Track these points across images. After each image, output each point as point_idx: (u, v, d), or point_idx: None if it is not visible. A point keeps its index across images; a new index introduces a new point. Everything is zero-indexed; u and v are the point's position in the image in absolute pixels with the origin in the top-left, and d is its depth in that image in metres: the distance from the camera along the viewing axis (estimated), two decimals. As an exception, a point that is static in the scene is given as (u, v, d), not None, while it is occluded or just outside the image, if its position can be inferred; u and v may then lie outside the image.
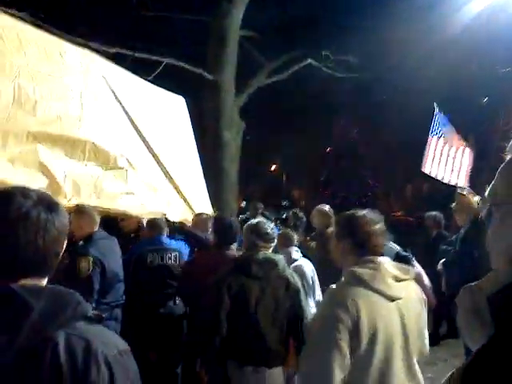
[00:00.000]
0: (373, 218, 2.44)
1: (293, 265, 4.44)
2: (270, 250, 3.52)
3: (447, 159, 8.21)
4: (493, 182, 1.04)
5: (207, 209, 6.19)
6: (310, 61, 11.93)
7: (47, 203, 1.24)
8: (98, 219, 4.34)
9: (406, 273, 2.38)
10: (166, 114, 5.91)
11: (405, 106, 14.68)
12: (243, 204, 14.11)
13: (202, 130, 11.36)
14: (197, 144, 12.00)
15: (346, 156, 23.80)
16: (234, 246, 4.37)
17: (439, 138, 8.18)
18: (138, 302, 4.74)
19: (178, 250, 5.11)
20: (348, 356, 2.14)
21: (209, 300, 3.29)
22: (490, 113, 14.98)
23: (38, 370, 1.08)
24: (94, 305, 3.93)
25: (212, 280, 3.34)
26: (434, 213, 7.45)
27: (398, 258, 3.92)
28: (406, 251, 4.35)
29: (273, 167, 26.37)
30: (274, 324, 3.26)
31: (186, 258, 5.18)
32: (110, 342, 1.21)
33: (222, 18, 10.58)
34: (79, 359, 1.10)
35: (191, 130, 6.40)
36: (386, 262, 2.36)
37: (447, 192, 8.44)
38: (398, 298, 2.28)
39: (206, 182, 11.24)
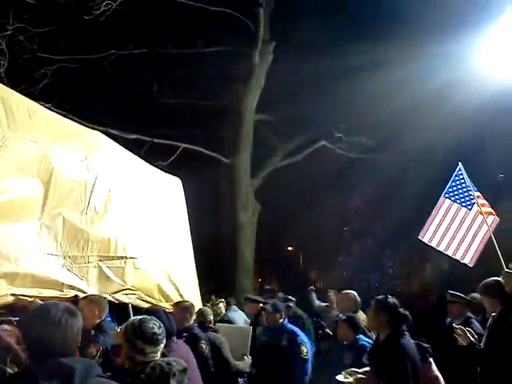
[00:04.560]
0: None
1: None
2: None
3: (458, 228, 7.04)
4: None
5: (196, 296, 5.95)
6: (323, 142, 12.21)
7: (71, 312, 1.95)
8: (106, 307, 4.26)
9: None
10: (163, 195, 5.78)
11: (419, 182, 14.75)
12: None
13: (219, 212, 11.49)
14: (213, 226, 12.19)
15: (361, 235, 23.65)
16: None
17: (453, 202, 7.09)
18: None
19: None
20: None
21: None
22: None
23: None
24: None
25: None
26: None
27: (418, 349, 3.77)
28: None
29: (290, 248, 26.21)
30: None
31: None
32: None
33: (237, 103, 10.98)
34: None
35: (186, 212, 6.30)
36: None
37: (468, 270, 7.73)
38: None
39: (222, 264, 11.27)
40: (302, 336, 5.19)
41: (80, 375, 1.81)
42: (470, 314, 5.44)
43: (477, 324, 5.26)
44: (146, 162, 5.69)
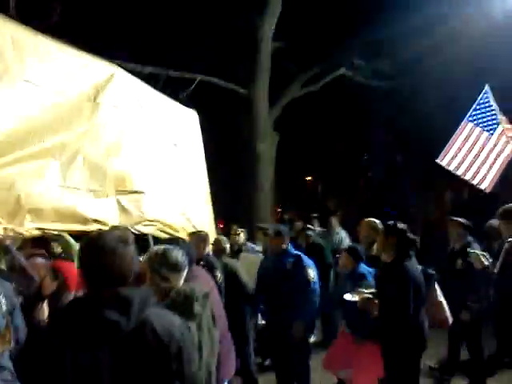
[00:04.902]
0: None
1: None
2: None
3: (478, 153, 6.88)
4: None
5: (211, 227, 6.06)
6: (343, 70, 11.90)
7: (125, 240, 1.95)
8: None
9: None
10: (178, 127, 5.74)
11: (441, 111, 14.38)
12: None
13: (238, 143, 11.50)
14: (232, 158, 12.23)
15: (382, 165, 23.46)
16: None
17: (476, 126, 6.91)
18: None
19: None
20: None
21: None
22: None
23: (142, 338, 1.79)
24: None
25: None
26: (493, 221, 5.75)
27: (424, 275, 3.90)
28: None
29: (309, 178, 26.25)
30: None
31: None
32: (168, 317, 1.95)
33: (253, 31, 10.66)
34: (159, 329, 1.81)
35: (201, 145, 6.29)
36: None
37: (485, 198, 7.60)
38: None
39: (242, 195, 11.41)
40: (307, 259, 5.18)
41: (137, 305, 1.83)
42: (470, 238, 5.54)
43: (477, 246, 5.42)
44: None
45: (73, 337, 1.78)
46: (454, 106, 10.77)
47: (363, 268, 4.78)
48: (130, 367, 1.78)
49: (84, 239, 2.03)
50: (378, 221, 5.44)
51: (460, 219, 5.66)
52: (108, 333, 1.78)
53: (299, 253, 5.27)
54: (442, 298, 4.30)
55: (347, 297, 4.30)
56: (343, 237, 8.37)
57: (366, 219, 5.59)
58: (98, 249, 1.90)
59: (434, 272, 4.27)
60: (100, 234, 2.02)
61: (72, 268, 4.11)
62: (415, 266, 3.93)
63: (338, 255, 6.14)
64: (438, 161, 6.89)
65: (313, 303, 5.04)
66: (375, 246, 4.90)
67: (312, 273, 5.05)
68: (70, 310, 1.90)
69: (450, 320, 4.43)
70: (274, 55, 11.23)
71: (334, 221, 8.74)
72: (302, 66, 12.07)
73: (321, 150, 19.46)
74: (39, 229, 3.70)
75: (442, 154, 6.89)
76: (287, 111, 12.08)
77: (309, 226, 8.52)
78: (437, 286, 4.29)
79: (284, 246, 5.18)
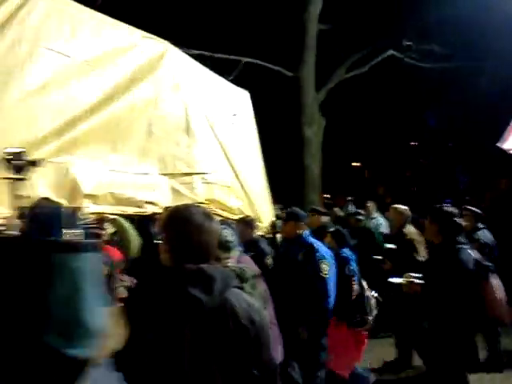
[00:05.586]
0: None
1: None
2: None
3: None
4: None
5: (267, 209, 6.07)
6: (391, 52, 11.56)
7: (209, 215, 1.89)
8: None
9: None
10: (231, 107, 5.68)
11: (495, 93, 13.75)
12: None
13: (283, 127, 11.41)
14: (278, 141, 12.15)
15: (433, 150, 22.81)
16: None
17: None
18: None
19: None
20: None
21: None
22: None
23: (222, 319, 1.73)
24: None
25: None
26: None
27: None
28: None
29: (356, 164, 25.86)
30: None
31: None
32: (248, 300, 1.87)
33: (299, 13, 10.50)
34: (239, 312, 1.76)
35: (255, 126, 6.26)
36: None
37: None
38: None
39: (288, 179, 11.34)
40: (323, 251, 4.44)
41: (220, 284, 1.76)
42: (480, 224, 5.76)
43: (485, 233, 5.67)
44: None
45: (157, 311, 1.75)
46: (509, 90, 10.29)
47: (345, 252, 4.79)
48: (209, 348, 1.72)
49: (169, 212, 1.97)
50: (404, 207, 5.73)
51: None
52: (191, 309, 1.72)
53: (314, 242, 4.52)
54: (498, 293, 4.02)
55: (393, 280, 4.21)
56: (380, 222, 8.14)
57: (394, 205, 5.87)
58: (186, 223, 1.83)
59: (489, 263, 4.01)
60: (186, 207, 1.95)
61: (117, 252, 4.17)
62: (466, 254, 3.71)
63: None
64: (498, 144, 6.64)
65: (323, 302, 4.32)
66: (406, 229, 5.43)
67: (326, 267, 4.33)
68: (156, 283, 1.87)
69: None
70: (320, 38, 11.02)
71: (372, 205, 8.58)
72: (349, 49, 11.80)
73: (368, 135, 19.08)
74: (95, 213, 3.77)
75: (503, 138, 6.60)
76: (333, 95, 11.87)
77: (359, 210, 8.41)
78: (494, 279, 3.99)
79: (298, 232, 4.53)
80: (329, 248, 4.63)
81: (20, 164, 2.92)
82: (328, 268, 4.33)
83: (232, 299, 1.78)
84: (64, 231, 1.82)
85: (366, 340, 4.80)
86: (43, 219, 1.87)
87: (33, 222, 1.95)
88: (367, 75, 12.12)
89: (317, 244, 4.48)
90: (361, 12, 11.51)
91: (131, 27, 4.33)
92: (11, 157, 2.89)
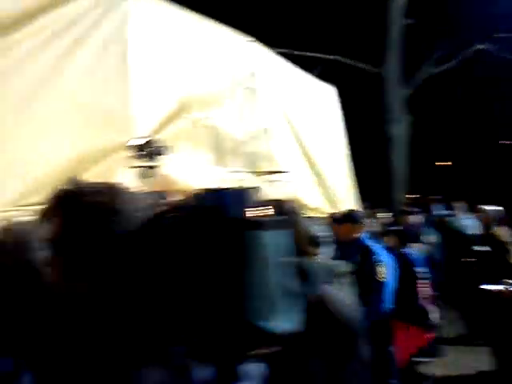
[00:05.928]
0: None
1: None
2: None
3: None
4: None
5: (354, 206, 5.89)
6: (481, 46, 10.95)
7: (296, 209, 1.89)
8: None
9: None
10: (317, 104, 5.60)
11: None
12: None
13: (369, 125, 11.17)
14: (362, 140, 11.89)
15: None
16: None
17: None
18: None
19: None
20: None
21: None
22: None
23: (317, 315, 1.61)
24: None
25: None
26: None
27: None
28: None
29: (446, 163, 24.85)
30: None
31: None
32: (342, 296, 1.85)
33: (382, 8, 10.25)
34: (334, 308, 1.73)
35: (342, 122, 6.11)
36: None
37: None
38: None
39: (374, 178, 11.06)
40: (379, 254, 4.21)
41: (313, 278, 1.76)
42: None
43: None
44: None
45: None
46: None
47: (411, 254, 4.76)
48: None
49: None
50: (494, 207, 5.90)
51: None
52: None
53: (372, 245, 4.28)
54: None
55: (489, 287, 4.05)
56: (468, 224, 7.59)
57: (484, 207, 6.05)
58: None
59: None
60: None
61: None
62: None
63: None
64: None
65: (378, 307, 4.11)
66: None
67: (382, 271, 4.11)
68: None
69: None
70: (405, 33, 10.67)
71: (459, 206, 8.12)
72: (436, 43, 11.31)
73: (457, 133, 18.26)
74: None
75: None
76: (421, 91, 11.44)
77: (450, 212, 8.08)
78: None
79: (355, 235, 4.27)
80: (392, 249, 4.53)
81: (153, 151, 2.95)
82: (385, 271, 4.13)
83: (327, 295, 1.77)
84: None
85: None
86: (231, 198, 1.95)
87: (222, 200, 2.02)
88: (456, 70, 11.58)
89: (374, 247, 4.25)
90: (446, 4, 11.00)
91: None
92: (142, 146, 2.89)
